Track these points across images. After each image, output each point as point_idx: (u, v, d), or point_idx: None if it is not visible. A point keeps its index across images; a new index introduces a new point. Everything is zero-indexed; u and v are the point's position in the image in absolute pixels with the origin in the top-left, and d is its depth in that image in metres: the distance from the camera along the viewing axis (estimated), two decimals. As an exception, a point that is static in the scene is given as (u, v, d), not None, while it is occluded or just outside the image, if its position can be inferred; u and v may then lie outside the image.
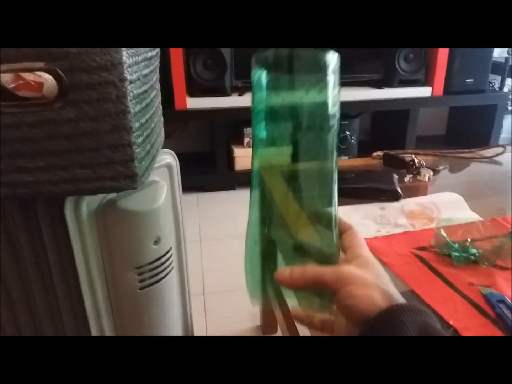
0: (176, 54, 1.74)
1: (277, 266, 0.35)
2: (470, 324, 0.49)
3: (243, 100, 1.87)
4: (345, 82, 2.03)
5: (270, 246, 0.35)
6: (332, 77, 0.32)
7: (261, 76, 0.32)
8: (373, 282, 0.30)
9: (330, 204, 0.34)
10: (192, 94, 1.86)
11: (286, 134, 0.33)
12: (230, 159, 1.99)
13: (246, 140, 1.96)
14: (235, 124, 2.02)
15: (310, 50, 0.31)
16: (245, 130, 1.95)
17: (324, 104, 0.32)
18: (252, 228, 0.36)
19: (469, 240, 0.62)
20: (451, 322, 0.49)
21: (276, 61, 0.31)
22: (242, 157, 1.96)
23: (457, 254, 0.61)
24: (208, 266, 1.40)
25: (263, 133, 0.33)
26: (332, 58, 0.31)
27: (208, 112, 1.87)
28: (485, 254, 0.60)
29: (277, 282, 0.32)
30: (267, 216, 0.35)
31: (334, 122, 0.33)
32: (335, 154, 0.34)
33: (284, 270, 0.33)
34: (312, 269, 0.32)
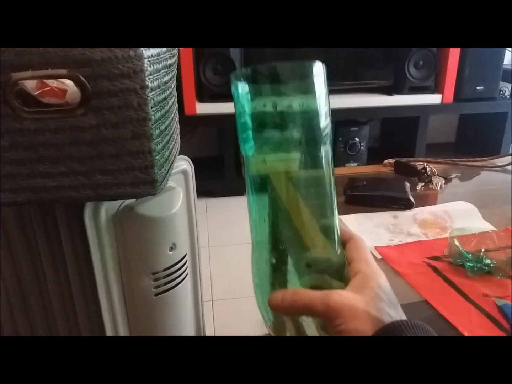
0: (186, 59, 1.76)
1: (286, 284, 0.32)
2: (484, 335, 0.48)
3: (253, 106, 1.88)
4: (355, 88, 2.03)
5: (282, 262, 0.32)
6: (321, 88, 0.30)
7: (243, 88, 0.30)
8: (364, 311, 0.28)
9: (330, 214, 0.32)
10: (201, 100, 1.87)
11: (275, 145, 0.30)
12: (238, 164, 1.98)
13: (255, 145, 1.97)
14: (244, 130, 2.02)
15: (294, 62, 0.29)
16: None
17: (314, 116, 0.30)
18: (260, 243, 0.33)
19: (483, 250, 0.62)
20: (465, 333, 0.49)
21: (257, 75, 0.29)
22: (251, 162, 1.96)
23: (471, 264, 0.60)
24: (216, 272, 1.40)
25: (250, 143, 0.31)
26: (318, 68, 0.29)
27: (217, 117, 1.88)
28: (499, 265, 0.60)
29: (271, 308, 0.30)
30: (278, 227, 0.32)
31: (327, 137, 0.31)
32: (330, 168, 0.32)
33: (276, 294, 0.30)
34: (302, 296, 0.30)
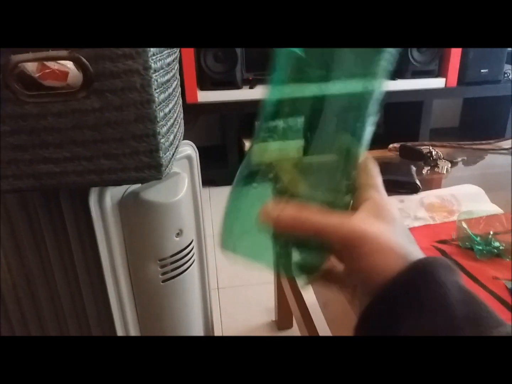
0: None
1: None
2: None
3: (254, 93, 1.86)
4: (357, 74, 2.00)
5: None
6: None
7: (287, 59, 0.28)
8: (395, 242, 0.24)
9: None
10: (202, 87, 1.85)
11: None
12: (242, 152, 1.99)
13: (258, 133, 1.95)
14: (246, 117, 2.00)
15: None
16: (256, 123, 1.93)
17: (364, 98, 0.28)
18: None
19: (491, 233, 0.61)
20: (476, 316, 0.48)
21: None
22: (253, 150, 1.95)
23: (479, 247, 0.60)
24: (221, 260, 1.40)
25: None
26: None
27: (219, 105, 1.86)
28: (508, 248, 0.59)
29: (262, 218, 0.25)
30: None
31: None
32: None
33: (273, 205, 0.26)
34: (314, 213, 0.24)
